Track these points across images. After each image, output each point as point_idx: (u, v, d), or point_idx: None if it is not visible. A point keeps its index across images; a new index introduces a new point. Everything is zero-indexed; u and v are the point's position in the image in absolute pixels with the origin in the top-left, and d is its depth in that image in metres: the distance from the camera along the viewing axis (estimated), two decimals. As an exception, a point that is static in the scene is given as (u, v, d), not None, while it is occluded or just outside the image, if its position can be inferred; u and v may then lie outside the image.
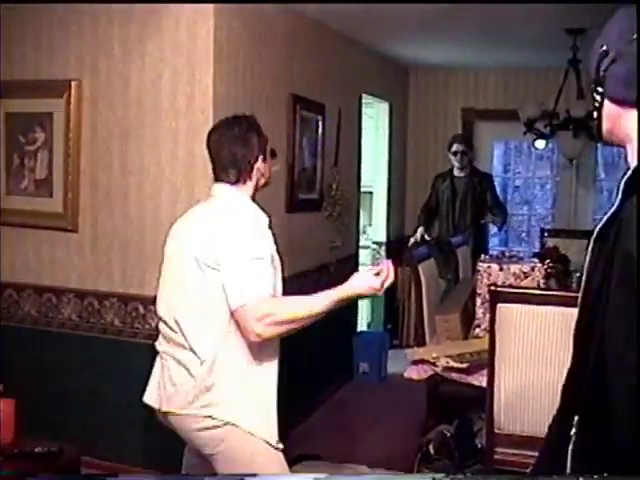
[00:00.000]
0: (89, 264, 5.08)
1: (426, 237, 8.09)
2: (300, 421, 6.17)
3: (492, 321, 4.07)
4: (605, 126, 1.75)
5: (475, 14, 5.84)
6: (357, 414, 6.52)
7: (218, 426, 3.12)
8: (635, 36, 1.62)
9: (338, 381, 7.14)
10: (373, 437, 5.93)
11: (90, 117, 5.00)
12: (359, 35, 6.93)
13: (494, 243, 9.78)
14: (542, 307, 3.97)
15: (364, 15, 6.03)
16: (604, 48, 1.70)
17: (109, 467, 4.93)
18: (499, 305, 4.03)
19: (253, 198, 3.31)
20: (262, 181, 3.33)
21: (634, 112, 1.66)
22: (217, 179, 3.28)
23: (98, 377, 5.03)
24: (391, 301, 8.52)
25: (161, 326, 3.36)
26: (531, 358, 4.05)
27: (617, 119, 1.71)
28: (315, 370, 6.50)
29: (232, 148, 3.20)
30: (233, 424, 3.14)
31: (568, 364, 3.92)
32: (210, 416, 3.12)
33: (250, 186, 3.27)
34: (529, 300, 4.00)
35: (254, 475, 3.08)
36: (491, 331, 4.09)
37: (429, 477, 4.54)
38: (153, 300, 4.86)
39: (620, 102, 1.70)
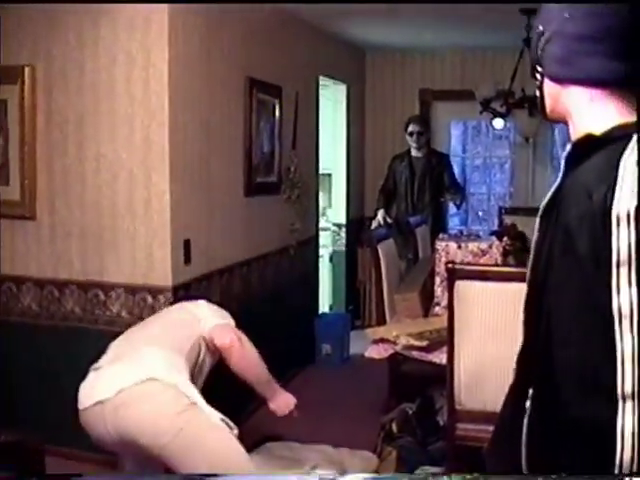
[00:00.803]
0: (48, 252, 5.06)
1: (388, 219, 8.13)
2: (264, 403, 6.18)
3: (450, 298, 4.11)
4: (548, 104, 1.79)
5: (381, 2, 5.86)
6: (320, 395, 6.54)
7: None
8: (567, 15, 1.65)
9: (301, 363, 7.17)
10: (337, 417, 5.97)
11: (45, 103, 4.96)
12: (316, 18, 6.92)
13: (454, 222, 9.85)
14: (500, 284, 4.01)
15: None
16: (540, 28, 1.75)
17: (73, 454, 4.91)
18: (457, 282, 4.06)
19: None
20: None
21: (573, 89, 1.70)
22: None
23: (59, 365, 5.01)
24: (352, 282, 8.56)
25: None
26: (490, 334, 4.09)
27: (557, 97, 1.75)
28: (277, 353, 6.48)
29: None
30: None
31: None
32: None
33: None
34: (487, 277, 4.04)
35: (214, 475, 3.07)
36: (450, 308, 4.13)
37: (423, 474, 4.56)
38: (112, 287, 4.93)
39: (558, 80, 1.73)
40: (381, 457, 4.98)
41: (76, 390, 3.56)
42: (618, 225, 1.43)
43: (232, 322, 4.09)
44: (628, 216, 1.42)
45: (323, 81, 7.74)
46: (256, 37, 5.90)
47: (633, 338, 1.40)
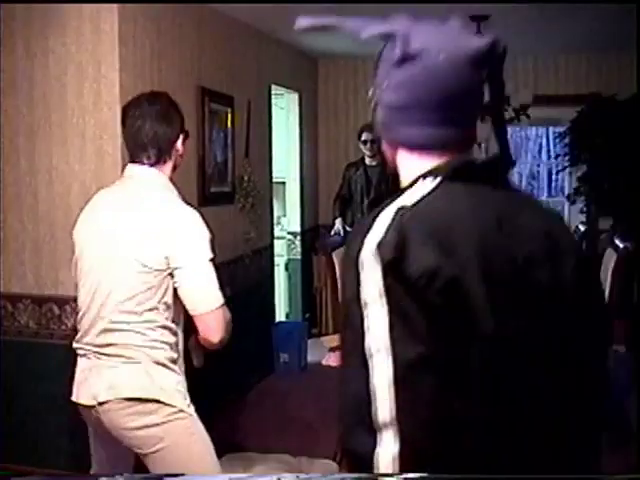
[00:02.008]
0: (0, 266, 4.99)
1: (347, 228, 8.12)
2: (223, 415, 6.16)
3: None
4: (386, 157, 1.85)
5: (378, 2, 5.86)
6: (279, 404, 6.53)
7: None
8: (385, 85, 1.73)
9: (259, 372, 7.14)
10: (296, 426, 5.94)
11: (-6, 115, 4.91)
12: (267, 27, 6.92)
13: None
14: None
15: (271, 7, 6.02)
16: (369, 94, 1.81)
17: (26, 471, 4.84)
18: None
19: (171, 180, 3.22)
20: (179, 161, 3.25)
21: (402, 152, 1.76)
22: (133, 159, 3.14)
23: (15, 380, 4.94)
24: (308, 290, 8.56)
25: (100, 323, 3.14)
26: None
27: (389, 153, 1.82)
28: (235, 362, 6.49)
29: (154, 125, 3.06)
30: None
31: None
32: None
33: (169, 167, 3.16)
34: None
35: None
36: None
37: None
38: (67, 300, 4.87)
39: (387, 142, 1.80)
40: (341, 465, 4.98)
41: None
42: (362, 269, 1.54)
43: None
44: (370, 260, 1.53)
45: (276, 89, 7.73)
46: (207, 46, 5.89)
47: (388, 369, 1.50)
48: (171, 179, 3.23)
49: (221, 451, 4.87)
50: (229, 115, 6.28)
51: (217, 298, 3.07)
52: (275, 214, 8.33)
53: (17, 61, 4.80)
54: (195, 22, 5.69)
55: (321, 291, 8.41)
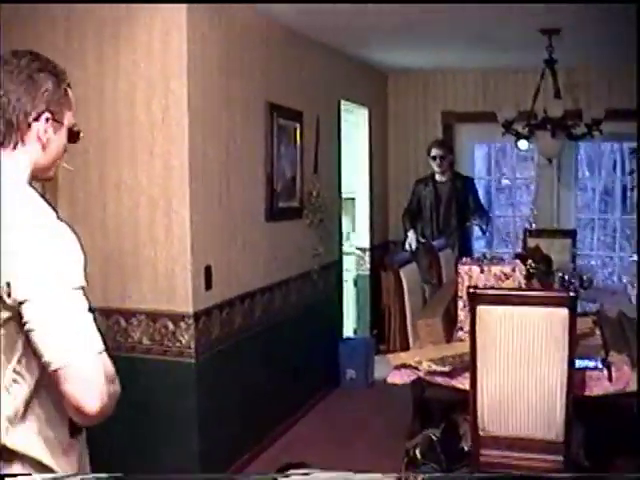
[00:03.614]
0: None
1: (421, 239, 8.07)
2: (287, 429, 6.16)
3: (472, 323, 4.07)
4: None
5: (450, 17, 5.84)
6: (344, 421, 6.51)
7: None
8: None
9: (325, 388, 7.14)
10: (360, 443, 5.92)
11: (66, 130, 4.97)
12: (336, 42, 6.92)
13: (480, 245, 9.79)
14: (521, 308, 3.98)
15: (341, 23, 6.03)
16: None
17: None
18: (478, 307, 4.02)
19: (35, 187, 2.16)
20: (43, 159, 2.17)
21: None
22: None
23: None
24: (377, 306, 8.52)
25: None
26: (513, 359, 4.05)
27: None
28: (302, 377, 6.50)
29: (5, 87, 2.10)
30: None
31: (550, 362, 3.94)
32: None
33: (22, 156, 2.13)
34: (508, 301, 4.01)
35: None
36: (472, 333, 4.09)
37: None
38: (134, 313, 4.92)
39: None
40: (409, 482, 4.94)
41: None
42: None
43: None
44: None
45: (345, 105, 7.72)
46: (276, 62, 5.91)
47: None
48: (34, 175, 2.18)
49: (284, 467, 4.87)
50: (298, 130, 6.29)
51: (88, 343, 1.92)
52: (344, 230, 8.32)
53: (89, 77, 4.86)
54: (264, 38, 5.72)
55: (389, 307, 8.35)
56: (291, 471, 4.75)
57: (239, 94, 5.34)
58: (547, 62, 6.43)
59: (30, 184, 2.13)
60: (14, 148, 2.12)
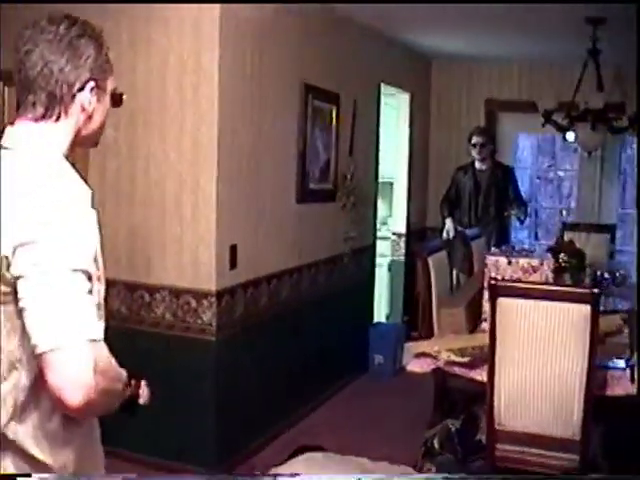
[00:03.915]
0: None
1: (458, 228, 8.00)
2: (310, 412, 6.15)
3: (492, 315, 4.02)
4: None
5: (495, 5, 5.74)
6: (368, 406, 6.50)
7: None
8: None
9: (353, 373, 7.11)
10: (381, 430, 5.90)
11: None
12: (379, 25, 6.85)
13: (523, 236, 9.70)
14: (542, 302, 3.92)
15: (384, 6, 5.96)
16: None
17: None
18: (499, 299, 3.97)
19: (68, 157, 2.03)
20: (88, 129, 2.08)
21: None
22: (19, 115, 2.02)
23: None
24: (411, 293, 8.46)
25: None
26: (532, 353, 4.00)
27: None
28: (330, 360, 6.48)
29: (46, 57, 1.95)
30: None
31: (570, 359, 3.88)
32: None
33: (65, 128, 2.02)
34: (529, 294, 3.95)
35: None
36: (491, 325, 4.04)
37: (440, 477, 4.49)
38: (158, 288, 4.93)
39: None
40: (420, 473, 4.90)
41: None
42: None
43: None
44: None
45: (387, 89, 7.66)
46: (313, 42, 5.86)
47: None
48: (72, 150, 2.07)
49: (300, 449, 4.88)
50: (334, 113, 6.24)
51: (80, 329, 1.78)
52: (382, 214, 8.27)
53: (122, 51, 4.84)
54: (301, 18, 5.65)
55: (422, 295, 8.29)
56: (306, 454, 4.76)
57: (273, 73, 5.31)
58: (590, 52, 6.30)
59: (67, 157, 2.01)
60: (57, 120, 2.00)
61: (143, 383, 2.24)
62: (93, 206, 1.95)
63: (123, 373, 2.05)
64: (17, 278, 1.80)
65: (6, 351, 1.89)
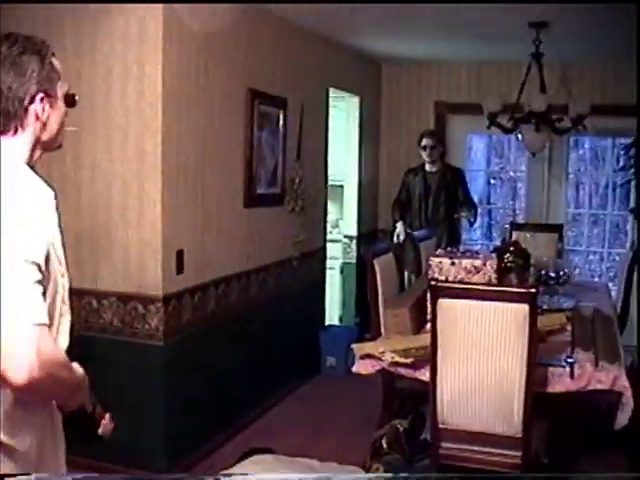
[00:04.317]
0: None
1: (408, 230, 8.07)
2: (261, 415, 6.19)
3: (433, 316, 4.09)
4: None
5: (442, 8, 5.80)
6: (320, 408, 6.55)
7: None
8: None
9: (305, 375, 7.17)
10: (331, 431, 5.96)
11: (44, 111, 4.99)
12: (326, 30, 6.90)
13: (476, 236, 9.81)
14: (482, 302, 3.99)
15: (332, 12, 6.00)
16: None
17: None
18: (440, 300, 4.04)
19: (31, 165, 2.20)
20: (46, 135, 2.24)
21: None
22: None
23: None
24: (363, 295, 8.52)
25: None
26: (473, 353, 4.08)
27: None
28: (281, 363, 6.53)
29: None
30: None
31: (510, 357, 3.96)
32: None
33: (23, 139, 2.16)
34: (469, 295, 4.02)
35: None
36: (433, 326, 4.11)
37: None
38: (105, 295, 4.95)
39: None
40: (368, 473, 4.96)
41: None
42: None
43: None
44: None
45: (336, 93, 7.72)
46: (259, 48, 5.90)
47: None
48: (31, 164, 2.21)
49: (249, 452, 4.91)
50: (281, 117, 6.29)
51: (25, 314, 1.88)
52: (333, 217, 8.34)
53: (67, 59, 4.82)
54: (246, 23, 5.68)
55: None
56: (254, 457, 4.79)
57: (218, 80, 5.34)
58: (534, 56, 6.40)
59: (30, 165, 2.16)
60: (14, 133, 2.14)
61: (107, 416, 2.36)
62: (57, 207, 2.09)
63: (74, 366, 2.15)
64: None
65: None
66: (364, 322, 8.12)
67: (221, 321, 5.51)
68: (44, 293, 1.97)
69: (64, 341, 2.21)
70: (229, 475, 4.23)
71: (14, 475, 2.04)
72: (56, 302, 2.13)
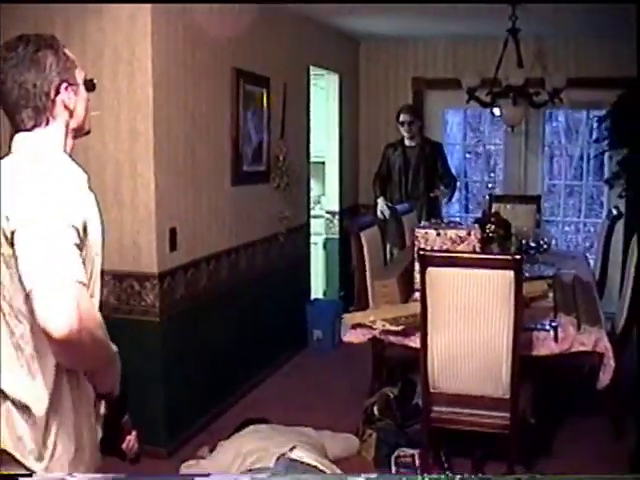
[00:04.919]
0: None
1: (389, 204, 8.18)
2: (253, 388, 6.34)
3: (422, 284, 4.24)
4: None
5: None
6: (310, 380, 6.70)
7: None
8: None
9: (293, 349, 7.31)
10: (323, 401, 6.10)
11: (34, 96, 5.08)
12: (306, 9, 6.98)
13: (454, 210, 9.95)
14: (469, 270, 4.15)
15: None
16: None
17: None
18: (428, 269, 4.20)
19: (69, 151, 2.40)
20: (74, 122, 2.40)
21: None
22: (15, 130, 2.32)
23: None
24: (346, 269, 8.67)
25: None
26: (461, 319, 4.23)
27: None
28: (269, 337, 6.67)
29: (18, 80, 2.23)
30: None
31: (497, 322, 4.11)
32: None
33: (56, 130, 2.32)
34: (456, 263, 4.18)
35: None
36: (422, 294, 4.26)
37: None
38: (100, 273, 5.04)
39: None
40: (362, 439, 5.13)
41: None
42: None
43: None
44: None
45: (316, 70, 7.84)
46: (243, 28, 5.98)
47: None
48: (70, 141, 2.44)
49: (246, 422, 5.06)
50: (264, 96, 6.40)
51: (66, 270, 2.00)
52: (315, 193, 8.46)
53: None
54: (231, 5, 5.79)
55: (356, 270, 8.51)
56: (251, 426, 4.94)
57: (205, 60, 5.44)
58: (510, 31, 6.53)
59: (66, 150, 2.37)
60: (47, 125, 2.28)
61: (134, 433, 2.53)
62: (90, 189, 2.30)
63: (109, 342, 2.32)
64: (13, 232, 2.06)
65: (15, 308, 2.16)
66: (348, 295, 8.29)
67: (212, 297, 5.65)
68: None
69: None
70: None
71: (14, 475, 2.13)
72: (89, 281, 2.24)
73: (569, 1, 5.95)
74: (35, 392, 2.18)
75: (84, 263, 2.12)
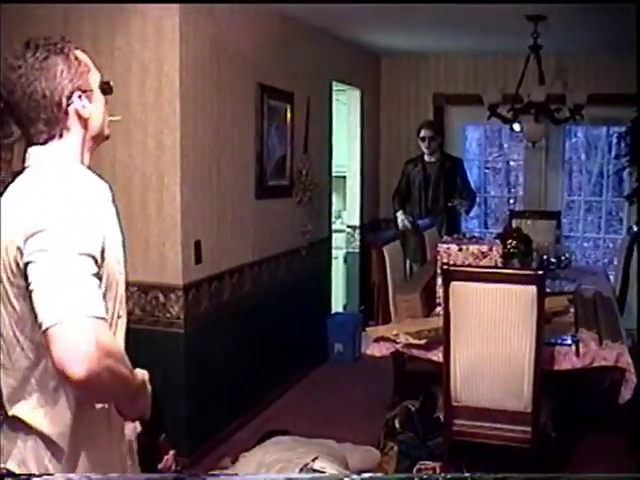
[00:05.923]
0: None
1: (409, 219, 8.21)
2: (274, 400, 6.38)
3: (446, 298, 4.28)
4: None
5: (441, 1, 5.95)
6: (331, 393, 6.73)
7: None
8: None
9: (314, 362, 7.36)
10: (344, 414, 6.13)
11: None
12: (328, 25, 7.04)
13: (473, 225, 9.97)
14: (492, 284, 4.18)
15: (333, 6, 6.14)
16: None
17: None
18: (452, 283, 4.23)
19: (84, 162, 2.24)
20: (92, 129, 2.22)
21: None
22: (28, 142, 2.18)
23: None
24: (366, 283, 8.72)
25: None
26: (484, 333, 4.26)
27: None
28: (291, 351, 6.72)
29: (27, 89, 2.08)
30: None
31: (519, 337, 4.15)
32: None
33: (72, 142, 2.17)
34: (479, 278, 4.21)
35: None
36: (445, 308, 4.30)
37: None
38: (126, 285, 5.10)
39: None
40: (383, 452, 5.16)
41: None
42: None
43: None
44: None
45: (338, 86, 7.91)
46: (267, 44, 6.07)
47: None
48: (88, 151, 2.27)
49: (268, 434, 5.11)
50: (288, 111, 6.47)
51: (83, 306, 1.86)
52: (336, 208, 8.52)
53: (85, 58, 5.03)
54: (255, 21, 5.87)
55: (379, 283, 8.54)
56: (274, 438, 4.98)
57: (230, 76, 5.52)
58: (532, 48, 6.58)
59: (84, 162, 2.20)
60: (61, 137, 2.13)
61: (172, 453, 2.47)
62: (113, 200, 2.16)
63: (137, 371, 2.18)
64: (27, 264, 1.91)
65: (35, 341, 2.02)
66: (368, 309, 8.34)
67: (235, 309, 5.70)
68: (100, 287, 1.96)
69: (120, 343, 2.19)
70: (215, 475, 4.44)
71: (14, 475, 2.08)
72: (115, 302, 2.14)
73: (575, 1, 5.92)
74: (60, 424, 2.07)
75: (106, 289, 2.03)
